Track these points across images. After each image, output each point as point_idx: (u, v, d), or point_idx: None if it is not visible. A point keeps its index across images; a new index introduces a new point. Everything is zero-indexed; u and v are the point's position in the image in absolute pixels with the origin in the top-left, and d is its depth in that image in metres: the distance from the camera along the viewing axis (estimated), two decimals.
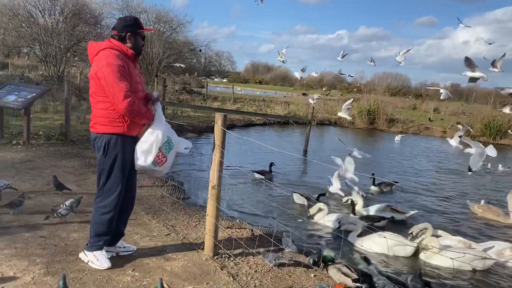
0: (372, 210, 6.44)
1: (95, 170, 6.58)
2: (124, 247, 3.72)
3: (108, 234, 3.40)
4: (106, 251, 3.48)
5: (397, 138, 17.18)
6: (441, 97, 8.77)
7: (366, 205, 6.67)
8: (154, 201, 5.42)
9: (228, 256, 3.87)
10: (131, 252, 3.72)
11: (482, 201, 7.39)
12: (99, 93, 3.14)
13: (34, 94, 8.20)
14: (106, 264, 3.36)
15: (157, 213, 4.95)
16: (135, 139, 3.35)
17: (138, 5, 25.79)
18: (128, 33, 3.22)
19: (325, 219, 5.82)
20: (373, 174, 8.30)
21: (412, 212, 6.45)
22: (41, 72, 21.37)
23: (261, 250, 4.00)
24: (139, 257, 3.65)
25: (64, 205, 4.34)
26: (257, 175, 8.25)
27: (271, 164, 8.63)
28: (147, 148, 3.28)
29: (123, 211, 3.54)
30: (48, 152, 7.54)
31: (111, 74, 3.03)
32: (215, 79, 55.02)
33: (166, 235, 4.30)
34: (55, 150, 7.82)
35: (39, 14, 20.16)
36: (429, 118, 24.24)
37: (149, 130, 3.33)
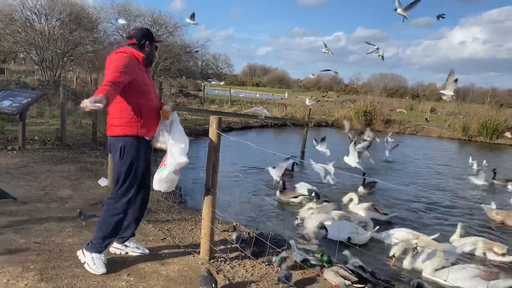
0: (358, 206, 6.69)
1: (91, 175, 6.60)
2: (137, 247, 3.80)
3: (113, 237, 3.46)
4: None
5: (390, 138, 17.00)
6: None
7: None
8: (150, 205, 5.37)
9: (224, 259, 3.85)
10: (142, 254, 3.78)
11: (493, 203, 7.28)
12: None
13: (29, 99, 8.17)
14: (102, 269, 3.35)
15: (153, 217, 4.93)
16: (148, 143, 3.43)
17: (136, 9, 25.71)
18: (147, 42, 3.40)
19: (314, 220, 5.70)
20: (364, 174, 8.26)
21: (393, 214, 6.62)
22: (37, 77, 21.30)
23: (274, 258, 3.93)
24: (134, 262, 3.62)
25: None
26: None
27: (294, 164, 9.26)
28: (181, 150, 3.39)
29: (135, 214, 3.63)
30: (44, 157, 7.50)
31: (115, 61, 3.15)
32: (213, 82, 55.05)
33: (162, 239, 4.27)
34: (51, 155, 7.78)
35: (36, 19, 20.15)
36: (426, 119, 24.29)
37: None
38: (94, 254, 3.37)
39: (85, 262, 3.39)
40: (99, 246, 3.38)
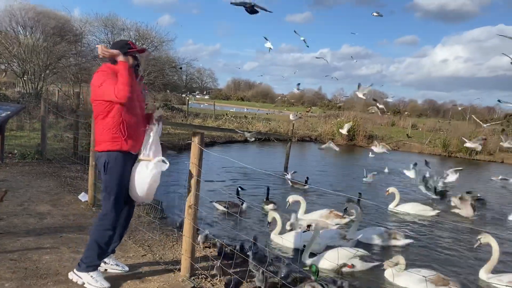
0: (315, 215, 6.80)
1: (71, 189, 6.50)
2: (117, 264, 3.74)
3: (106, 253, 3.46)
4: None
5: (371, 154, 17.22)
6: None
7: (307, 210, 7.02)
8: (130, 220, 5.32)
9: (205, 276, 3.82)
10: (121, 271, 3.71)
11: None
12: (99, 112, 3.24)
13: (8, 112, 8.01)
14: (106, 284, 3.33)
15: (134, 233, 4.86)
16: (135, 158, 3.39)
17: (122, 23, 25.64)
18: None
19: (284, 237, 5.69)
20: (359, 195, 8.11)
21: (352, 217, 6.70)
22: (18, 90, 20.97)
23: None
24: (113, 279, 3.55)
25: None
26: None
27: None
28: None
29: (119, 229, 3.59)
30: (23, 172, 7.36)
31: (101, 78, 3.19)
32: (197, 96, 55.05)
33: (142, 255, 4.22)
34: (30, 169, 7.64)
35: (20, 31, 19.98)
36: (407, 135, 24.71)
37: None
38: (92, 273, 3.34)
39: (83, 283, 3.34)
40: (94, 263, 3.36)
